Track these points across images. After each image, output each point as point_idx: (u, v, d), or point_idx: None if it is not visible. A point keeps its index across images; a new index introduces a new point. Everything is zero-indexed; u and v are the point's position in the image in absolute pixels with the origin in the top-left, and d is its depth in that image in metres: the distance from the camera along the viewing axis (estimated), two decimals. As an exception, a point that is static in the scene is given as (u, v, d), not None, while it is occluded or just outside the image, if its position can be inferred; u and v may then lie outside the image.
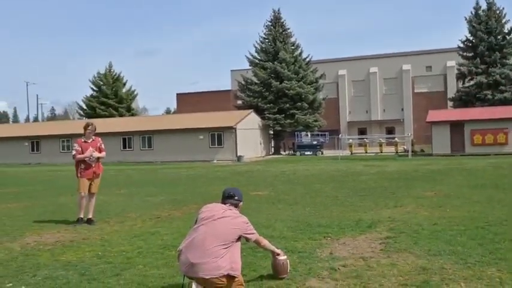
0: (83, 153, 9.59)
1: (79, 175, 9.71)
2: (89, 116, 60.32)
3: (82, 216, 9.61)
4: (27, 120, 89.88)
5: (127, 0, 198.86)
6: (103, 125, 47.97)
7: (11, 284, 5.63)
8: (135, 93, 66.51)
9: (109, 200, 13.70)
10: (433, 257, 6.19)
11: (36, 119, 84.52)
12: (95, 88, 63.25)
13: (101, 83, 62.88)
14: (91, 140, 9.84)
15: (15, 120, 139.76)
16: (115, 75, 64.43)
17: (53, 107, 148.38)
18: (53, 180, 23.09)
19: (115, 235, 8.42)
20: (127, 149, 43.54)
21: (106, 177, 23.86)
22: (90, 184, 9.77)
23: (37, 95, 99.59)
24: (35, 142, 47.82)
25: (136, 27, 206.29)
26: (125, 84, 65.11)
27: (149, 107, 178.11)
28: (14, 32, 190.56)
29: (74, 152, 9.69)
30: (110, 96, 61.92)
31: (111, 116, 58.38)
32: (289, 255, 5.96)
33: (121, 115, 60.09)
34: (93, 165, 9.71)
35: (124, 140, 43.75)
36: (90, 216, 9.69)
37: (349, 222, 8.84)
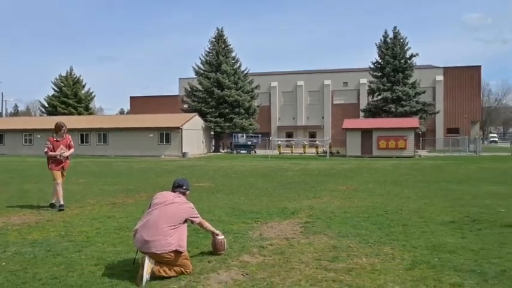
0: (54, 150, 9.34)
1: (50, 167, 9.46)
2: (49, 113, 58.00)
3: (62, 202, 9.28)
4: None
5: (91, 10, 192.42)
6: (64, 121, 46.61)
7: (-17, 259, 5.51)
8: (93, 94, 64.32)
9: (70, 188, 13.33)
10: (342, 238, 6.47)
11: (0, 115, 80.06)
12: (56, 89, 60.67)
13: (62, 84, 60.38)
14: (62, 138, 9.54)
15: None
16: (75, 78, 62.04)
17: (16, 104, 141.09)
18: (17, 169, 22.12)
19: (76, 218, 8.28)
20: (84, 143, 42.01)
21: (65, 168, 23.23)
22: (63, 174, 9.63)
23: (1, 93, 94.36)
24: (-1, 135, 45.53)
25: (96, 36, 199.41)
26: (83, 86, 62.85)
27: (105, 107, 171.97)
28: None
29: (45, 149, 9.37)
30: (70, 97, 59.64)
31: (70, 114, 56.31)
32: (226, 235, 6.05)
33: (79, 114, 58.00)
34: (63, 161, 9.49)
35: (82, 135, 42.22)
36: (53, 201, 9.48)
37: (276, 210, 9.01)
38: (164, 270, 4.64)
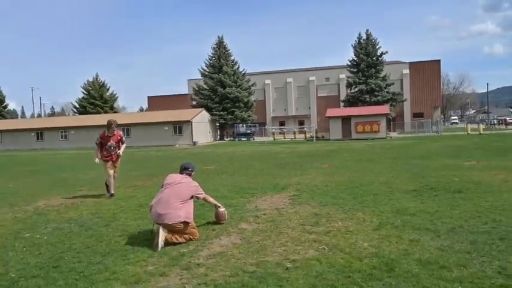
0: (104, 145, 8.55)
1: (102, 159, 8.64)
2: (80, 113, 57.79)
3: (112, 192, 8.56)
4: (32, 116, 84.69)
5: (112, 25, 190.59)
6: (92, 119, 46.39)
7: (29, 234, 5.60)
8: (116, 96, 63.90)
9: (100, 174, 13.44)
10: (322, 207, 6.55)
11: (39, 115, 79.73)
12: (85, 92, 60.33)
13: (90, 88, 60.01)
14: (112, 134, 8.64)
15: (23, 116, 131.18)
16: (100, 82, 61.75)
17: (52, 106, 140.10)
18: (55, 161, 22.19)
19: (104, 199, 8.37)
20: (111, 137, 42.03)
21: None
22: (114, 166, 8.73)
23: (40, 97, 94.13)
24: (39, 133, 45.34)
25: (116, 46, 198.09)
26: (108, 89, 62.44)
27: (127, 106, 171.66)
28: (23, 46, 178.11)
29: (96, 142, 8.66)
30: (97, 98, 59.32)
31: (98, 113, 56.17)
32: (227, 208, 6.14)
33: (106, 112, 57.78)
34: (112, 154, 8.61)
35: (109, 130, 42.24)
36: (112, 191, 8.62)
37: (269, 186, 9.08)
38: (176, 238, 4.74)
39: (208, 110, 48.13)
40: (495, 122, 60.00)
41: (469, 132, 38.54)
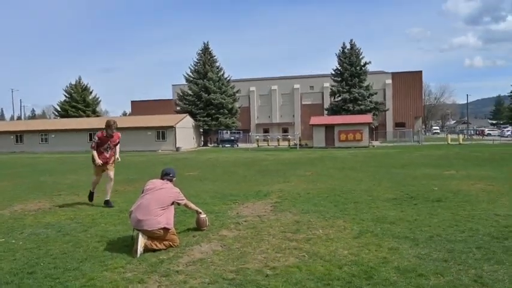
0: (100, 146, 7.99)
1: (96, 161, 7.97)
2: (62, 116, 56.99)
3: (108, 197, 7.94)
4: (12, 118, 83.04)
5: (97, 28, 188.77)
6: (74, 123, 45.72)
7: (4, 239, 5.45)
8: (99, 99, 63.11)
9: (80, 179, 13.26)
10: (304, 214, 6.55)
11: (19, 118, 78.12)
12: (67, 95, 59.45)
13: (72, 91, 59.18)
14: (111, 136, 8.13)
15: (2, 118, 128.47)
16: (83, 85, 61.00)
17: (33, 108, 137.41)
18: (34, 164, 21.74)
19: (83, 204, 8.21)
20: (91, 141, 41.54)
21: (77, 162, 22.87)
22: (104, 169, 8.13)
23: (20, 100, 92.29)
24: (19, 136, 44.45)
25: (99, 50, 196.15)
26: (91, 92, 61.76)
27: (110, 110, 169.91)
28: (2, 48, 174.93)
29: (92, 144, 8.03)
30: (79, 102, 58.52)
31: (79, 116, 55.47)
32: (208, 214, 6.10)
33: (88, 116, 57.04)
34: (107, 156, 8.11)
35: (90, 134, 41.55)
36: (107, 198, 7.95)
37: (251, 193, 9.04)
38: (155, 244, 4.68)
39: (193, 115, 48.00)
40: (472, 133, 61.47)
41: (449, 142, 39.28)
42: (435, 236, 5.08)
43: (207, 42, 52.70)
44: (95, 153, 7.95)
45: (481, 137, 57.16)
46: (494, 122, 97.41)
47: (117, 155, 8.40)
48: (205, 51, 52.42)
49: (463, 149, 27.57)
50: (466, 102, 75.01)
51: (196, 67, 52.14)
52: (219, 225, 5.93)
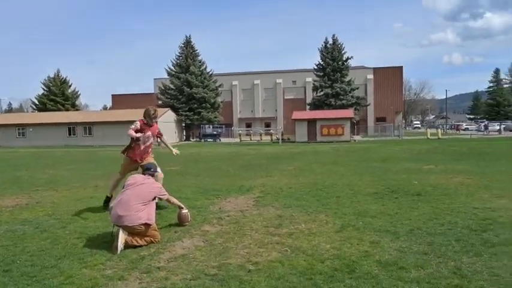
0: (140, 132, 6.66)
1: (127, 154, 7.02)
2: (40, 110, 55.77)
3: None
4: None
5: (76, 20, 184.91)
6: (52, 117, 44.77)
7: (-22, 237, 5.30)
8: (79, 93, 62.02)
9: (58, 173, 12.98)
10: (286, 209, 6.56)
11: (-5, 112, 76.18)
12: (45, 88, 58.25)
13: (51, 84, 57.98)
14: (150, 125, 6.83)
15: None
16: (62, 78, 59.76)
17: (10, 102, 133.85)
18: (10, 159, 21.21)
19: (62, 199, 8.02)
20: (71, 136, 40.81)
21: (54, 157, 22.41)
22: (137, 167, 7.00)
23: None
24: (-5, 130, 43.42)
25: (80, 42, 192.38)
26: (70, 86, 60.58)
27: (90, 104, 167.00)
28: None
29: (130, 130, 6.60)
30: (58, 95, 57.39)
31: (58, 110, 54.36)
32: (190, 210, 6.04)
33: (67, 110, 55.97)
34: (148, 151, 7.03)
35: (69, 129, 40.89)
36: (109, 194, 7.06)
37: (234, 188, 8.98)
38: (136, 240, 4.60)
39: (175, 110, 47.62)
40: (447, 128, 62.91)
41: (428, 136, 39.99)
42: (415, 229, 5.14)
43: (189, 36, 52.38)
44: (132, 132, 6.51)
45: (457, 131, 58.44)
46: (472, 116, 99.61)
47: (172, 148, 7.50)
48: (188, 44, 52.01)
49: (442, 144, 28.10)
50: (445, 97, 76.36)
51: (178, 61, 51.72)
52: (201, 220, 5.87)
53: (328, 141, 37.02)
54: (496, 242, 4.53)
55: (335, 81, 51.44)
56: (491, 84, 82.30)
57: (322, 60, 52.89)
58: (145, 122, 6.72)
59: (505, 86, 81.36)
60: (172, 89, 50.20)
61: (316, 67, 53.77)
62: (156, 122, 6.95)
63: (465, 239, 4.70)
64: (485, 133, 47.73)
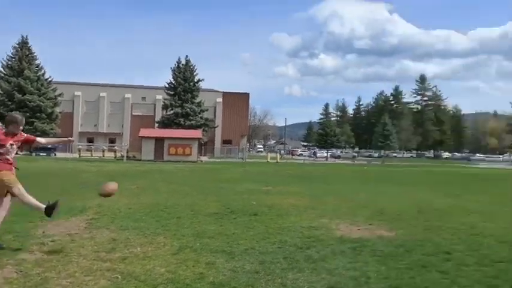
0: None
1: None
2: None
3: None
4: None
5: None
6: None
7: None
8: None
9: None
10: (122, 231, 6.17)
11: None
12: None
13: None
14: (13, 134, 5.39)
15: None
16: None
17: None
18: None
19: None
20: None
21: None
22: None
23: None
24: None
25: None
26: None
27: None
28: None
29: None
30: None
31: None
32: (6, 235, 5.25)
33: None
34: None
35: None
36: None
37: (64, 208, 7.69)
38: None
39: (1, 118, 41.43)
40: (282, 153, 69.64)
41: (268, 160, 43.25)
42: (250, 249, 5.35)
43: (26, 36, 46.75)
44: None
45: (291, 156, 64.93)
46: (305, 143, 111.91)
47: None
48: (23, 45, 46.34)
49: (279, 167, 30.66)
50: (284, 125, 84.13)
51: (10, 62, 45.45)
52: (17, 247, 5.08)
53: (176, 160, 36.84)
54: (317, 258, 5.01)
55: (185, 101, 51.98)
56: (322, 116, 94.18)
57: (174, 80, 53.07)
58: (3, 130, 5.30)
59: (332, 118, 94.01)
60: (0, 93, 43.73)
61: (167, 85, 53.58)
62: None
63: (292, 256, 5.08)
64: (314, 159, 54.00)
